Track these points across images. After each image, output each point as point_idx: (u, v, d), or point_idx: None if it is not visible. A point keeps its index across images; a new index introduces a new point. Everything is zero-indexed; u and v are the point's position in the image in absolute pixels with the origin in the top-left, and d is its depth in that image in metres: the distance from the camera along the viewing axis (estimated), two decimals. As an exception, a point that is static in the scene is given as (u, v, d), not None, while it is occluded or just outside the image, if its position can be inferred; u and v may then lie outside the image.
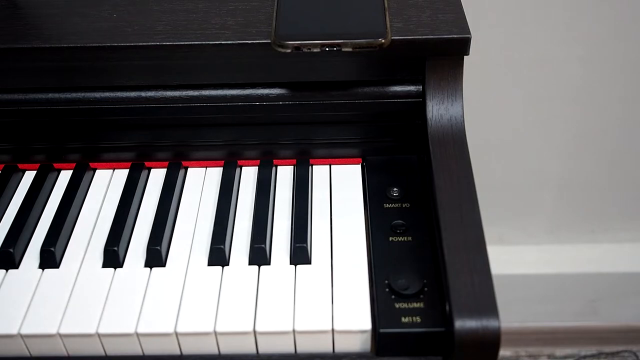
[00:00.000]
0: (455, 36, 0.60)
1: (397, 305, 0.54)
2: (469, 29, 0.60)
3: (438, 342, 0.52)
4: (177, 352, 0.55)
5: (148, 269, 0.59)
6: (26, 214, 0.64)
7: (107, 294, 0.57)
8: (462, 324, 0.48)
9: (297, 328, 0.53)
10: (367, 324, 0.53)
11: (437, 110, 0.61)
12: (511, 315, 1.35)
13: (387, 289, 0.55)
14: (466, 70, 0.61)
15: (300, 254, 0.58)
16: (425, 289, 0.55)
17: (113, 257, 0.59)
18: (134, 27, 0.63)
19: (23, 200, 0.65)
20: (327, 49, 0.59)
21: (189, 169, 0.68)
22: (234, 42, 0.61)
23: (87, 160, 0.69)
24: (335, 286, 0.56)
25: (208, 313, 0.55)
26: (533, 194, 1.29)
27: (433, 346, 0.53)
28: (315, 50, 0.59)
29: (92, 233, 0.63)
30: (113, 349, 0.55)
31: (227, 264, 0.59)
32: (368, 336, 0.53)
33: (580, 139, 1.21)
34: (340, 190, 0.65)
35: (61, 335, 0.54)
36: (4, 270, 0.60)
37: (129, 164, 0.68)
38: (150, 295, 0.56)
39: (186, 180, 0.67)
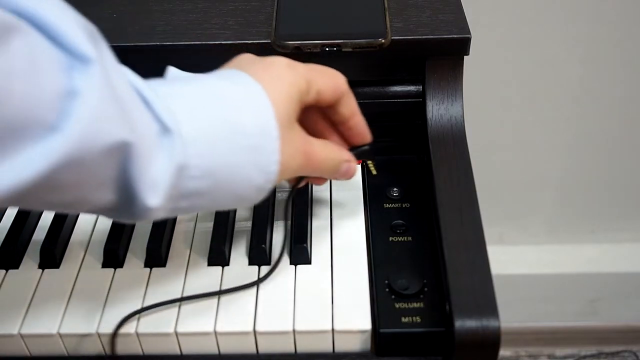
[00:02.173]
0: (455, 36, 0.60)
1: (397, 306, 0.54)
2: (469, 29, 0.60)
3: (438, 342, 0.52)
4: (177, 352, 0.55)
5: (148, 269, 0.59)
6: (26, 213, 0.64)
7: (106, 294, 0.57)
8: (462, 324, 0.48)
9: (297, 328, 0.53)
10: (367, 324, 0.53)
11: (437, 110, 0.61)
12: (511, 315, 1.35)
13: (387, 289, 0.55)
14: (466, 70, 0.61)
15: (300, 254, 0.58)
16: (425, 289, 0.55)
17: (113, 257, 0.59)
18: (134, 27, 0.63)
19: (23, 200, 0.65)
20: (327, 49, 0.59)
21: (189, 169, 0.68)
22: (234, 42, 0.61)
23: (87, 160, 0.69)
24: (335, 286, 0.56)
25: (208, 313, 0.55)
26: (533, 194, 1.29)
27: (433, 346, 0.53)
28: (315, 50, 0.59)
29: (92, 233, 0.63)
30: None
31: (227, 264, 0.59)
32: (368, 336, 0.53)
33: (580, 139, 1.21)
34: (340, 190, 0.65)
35: (61, 335, 0.54)
36: (4, 270, 0.60)
37: (129, 164, 0.68)
38: (150, 295, 0.56)
39: (186, 180, 0.67)
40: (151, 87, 0.44)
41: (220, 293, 0.56)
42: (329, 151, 0.54)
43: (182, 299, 0.55)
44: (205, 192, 0.46)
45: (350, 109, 0.55)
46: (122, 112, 0.40)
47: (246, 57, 0.52)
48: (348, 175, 0.56)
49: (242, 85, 0.47)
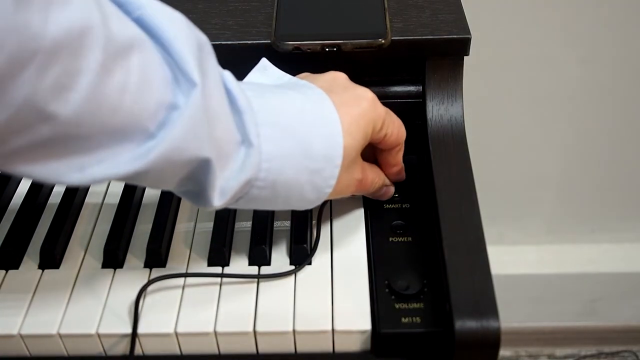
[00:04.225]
0: (455, 36, 0.60)
1: (397, 306, 0.54)
2: (469, 29, 0.60)
3: (438, 343, 0.52)
4: (177, 352, 0.55)
5: (148, 269, 0.59)
6: (26, 214, 0.64)
7: (107, 294, 0.57)
8: (462, 324, 0.48)
9: (297, 328, 0.53)
10: (367, 324, 0.53)
11: (437, 110, 0.61)
12: (511, 315, 1.36)
13: (387, 289, 0.55)
14: (466, 70, 0.61)
15: (300, 254, 0.58)
16: (425, 289, 0.55)
17: (113, 257, 0.59)
18: (134, 27, 0.62)
19: (23, 200, 0.65)
20: (327, 49, 0.59)
21: (189, 169, 0.68)
22: (234, 42, 0.61)
23: (87, 160, 0.68)
24: (335, 286, 0.56)
25: (208, 313, 0.55)
26: (533, 194, 1.29)
27: (433, 346, 0.53)
28: (315, 50, 0.59)
29: (92, 233, 0.63)
30: (113, 349, 0.55)
31: (227, 264, 0.59)
32: (368, 336, 0.53)
33: (580, 138, 1.21)
34: (340, 191, 0.65)
35: (61, 336, 0.54)
36: (4, 270, 0.60)
37: (129, 164, 0.68)
38: (150, 295, 0.56)
39: (186, 180, 0.67)
40: (247, 94, 0.48)
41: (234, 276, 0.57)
42: (375, 176, 0.59)
43: (188, 275, 0.58)
44: (263, 199, 0.51)
45: (395, 161, 0.60)
46: (210, 131, 0.45)
47: (339, 81, 0.55)
48: (385, 197, 0.62)
49: (322, 112, 0.51)
